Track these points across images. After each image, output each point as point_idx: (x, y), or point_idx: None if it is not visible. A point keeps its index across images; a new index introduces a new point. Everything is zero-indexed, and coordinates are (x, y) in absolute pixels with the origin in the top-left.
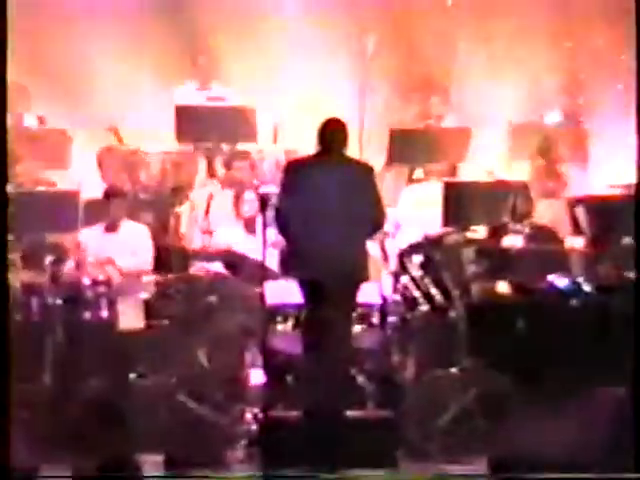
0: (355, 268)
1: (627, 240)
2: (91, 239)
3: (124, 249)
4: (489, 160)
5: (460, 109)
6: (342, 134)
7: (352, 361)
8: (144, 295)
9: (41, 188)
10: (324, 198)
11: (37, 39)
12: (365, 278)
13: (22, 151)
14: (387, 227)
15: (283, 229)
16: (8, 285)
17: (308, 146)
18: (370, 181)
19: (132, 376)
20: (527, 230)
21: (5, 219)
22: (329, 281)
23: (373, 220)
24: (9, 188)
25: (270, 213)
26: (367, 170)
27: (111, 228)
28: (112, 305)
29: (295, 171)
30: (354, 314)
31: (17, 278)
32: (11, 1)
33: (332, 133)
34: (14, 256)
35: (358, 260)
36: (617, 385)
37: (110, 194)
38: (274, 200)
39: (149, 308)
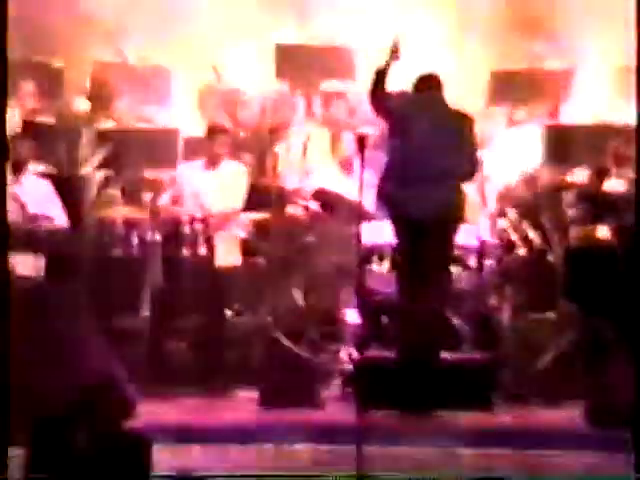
0: (450, 209)
1: None
2: (190, 175)
3: (222, 186)
4: (594, 102)
5: (564, 50)
6: (437, 86)
7: (448, 302)
8: (242, 233)
9: (141, 124)
10: (423, 139)
11: None
12: (460, 219)
13: (122, 87)
14: (486, 170)
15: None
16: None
17: (406, 87)
18: (472, 131)
19: (229, 313)
20: (630, 174)
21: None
22: (427, 222)
23: (465, 171)
24: (109, 124)
25: (367, 154)
26: (466, 119)
27: (211, 165)
28: (209, 242)
29: (396, 108)
30: (451, 256)
31: (117, 213)
32: None
33: (427, 87)
34: (114, 191)
35: (453, 201)
36: None
37: (213, 131)
38: (371, 141)
39: (246, 246)
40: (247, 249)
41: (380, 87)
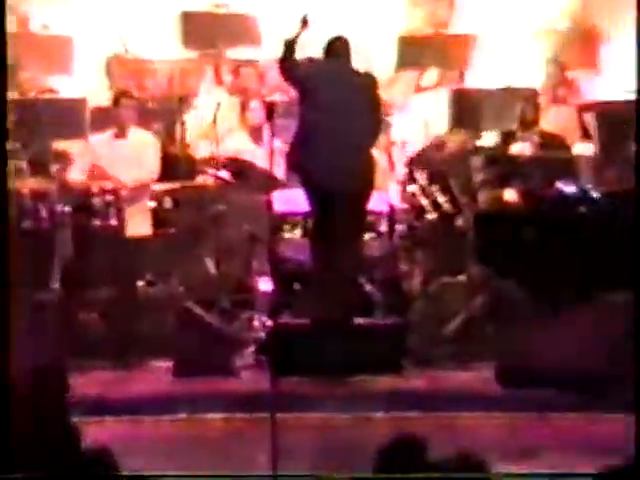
0: (363, 177)
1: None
2: (100, 146)
3: (132, 156)
4: (500, 67)
5: (470, 15)
6: (345, 48)
7: (360, 269)
8: (152, 203)
9: (46, 95)
10: (330, 105)
11: None
12: (372, 187)
13: (26, 58)
14: (394, 135)
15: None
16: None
17: (315, 54)
18: (377, 91)
19: (140, 283)
20: (535, 137)
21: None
22: (335, 189)
23: (371, 134)
24: (12, 95)
25: (276, 121)
26: (371, 81)
27: (120, 134)
28: (120, 213)
29: (305, 75)
30: (362, 222)
31: (25, 185)
32: None
33: (336, 48)
34: (21, 163)
35: (363, 168)
36: (623, 291)
37: (119, 98)
38: (281, 108)
39: (157, 216)
40: (158, 219)
41: (289, 56)
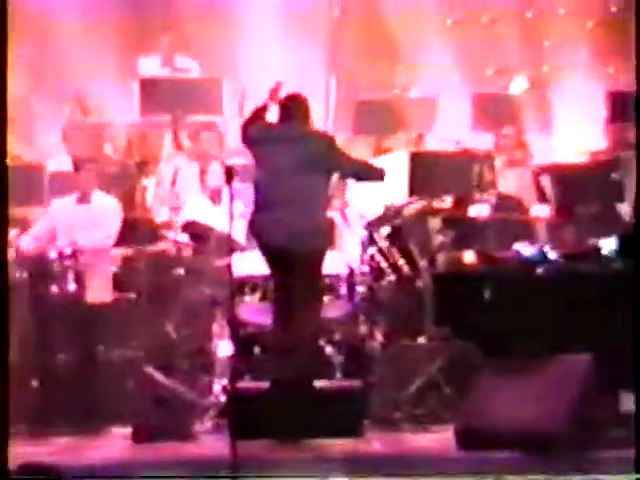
0: (315, 237)
1: (591, 208)
2: (61, 210)
3: (94, 220)
4: (455, 130)
5: (426, 79)
6: (302, 107)
7: (320, 331)
8: (112, 268)
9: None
10: (285, 168)
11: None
12: (327, 247)
13: None
14: (348, 196)
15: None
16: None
17: (273, 117)
18: (333, 150)
19: (100, 348)
20: (493, 199)
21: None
22: (293, 251)
23: (362, 176)
24: None
25: (236, 185)
26: (327, 140)
27: (83, 199)
28: (80, 278)
29: (257, 139)
30: (320, 284)
31: None
32: None
33: (292, 107)
34: None
35: (318, 229)
36: (583, 352)
37: (80, 163)
38: (239, 173)
39: (117, 281)
40: (118, 284)
41: (252, 123)
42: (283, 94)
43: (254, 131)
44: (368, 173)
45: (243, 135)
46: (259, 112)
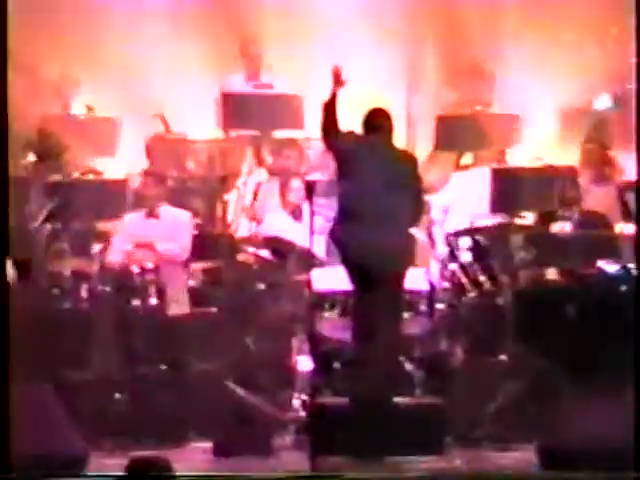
0: (399, 254)
1: None
2: (132, 225)
3: (165, 235)
4: (538, 146)
5: (508, 95)
6: (387, 123)
7: (400, 348)
8: (192, 282)
9: (89, 177)
10: (371, 182)
11: (84, 27)
12: (410, 264)
13: (70, 140)
14: (435, 213)
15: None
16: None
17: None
18: (414, 172)
19: (182, 363)
20: (576, 216)
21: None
22: (376, 268)
23: (412, 214)
24: (57, 177)
25: (316, 200)
26: (411, 160)
27: (151, 214)
28: (161, 292)
29: (345, 148)
30: (401, 300)
31: (66, 266)
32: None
33: (377, 122)
34: (62, 244)
35: (402, 246)
36: None
37: (145, 179)
38: (320, 188)
39: (198, 295)
40: (198, 298)
41: (331, 120)
42: (345, 76)
43: (344, 139)
44: (420, 212)
45: (329, 139)
46: (330, 105)
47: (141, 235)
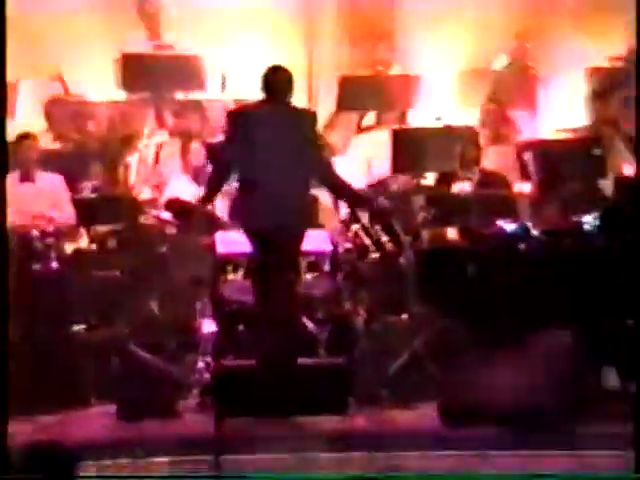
0: (300, 215)
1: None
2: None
3: (44, 200)
4: (438, 107)
5: (408, 56)
6: (287, 82)
7: (303, 308)
8: (94, 246)
9: None
10: (267, 146)
11: None
12: (309, 225)
13: None
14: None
15: (216, 176)
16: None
17: (257, 95)
18: (314, 128)
19: (84, 326)
20: (476, 176)
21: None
22: (275, 230)
23: (318, 172)
24: None
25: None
26: (311, 118)
27: (26, 177)
28: (61, 256)
29: (237, 120)
30: (302, 262)
31: None
32: None
33: (276, 81)
34: None
35: (303, 208)
36: (565, 327)
37: (22, 140)
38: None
39: (100, 259)
40: (101, 261)
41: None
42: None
43: (236, 115)
44: (327, 169)
45: (229, 123)
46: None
47: (19, 199)
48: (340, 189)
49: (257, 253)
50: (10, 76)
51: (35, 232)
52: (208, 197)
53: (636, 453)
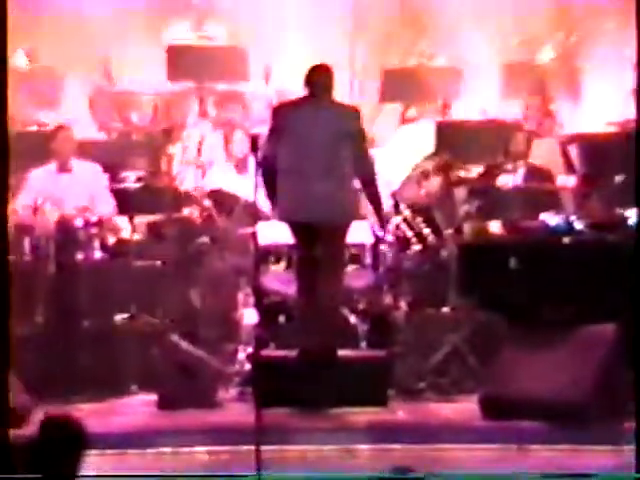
0: (343, 209)
1: (619, 177)
2: (42, 179)
3: (82, 189)
4: (482, 99)
5: (452, 48)
6: (328, 79)
7: (344, 301)
8: (137, 236)
9: (32, 128)
10: (311, 141)
11: None
12: (353, 218)
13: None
14: (379, 167)
15: (268, 173)
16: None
17: (299, 87)
18: (359, 124)
19: (125, 316)
20: (521, 169)
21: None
22: (318, 222)
23: (361, 170)
24: None
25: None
26: (354, 113)
27: (63, 168)
28: (105, 246)
29: (282, 115)
30: (345, 254)
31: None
32: None
33: (318, 79)
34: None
35: (346, 201)
36: (609, 322)
37: (57, 132)
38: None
39: (142, 249)
40: (143, 252)
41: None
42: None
43: (282, 109)
44: (372, 167)
45: (274, 117)
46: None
47: (56, 189)
48: (365, 186)
49: (300, 245)
50: (58, 68)
51: (78, 221)
52: (270, 194)
53: (636, 452)
